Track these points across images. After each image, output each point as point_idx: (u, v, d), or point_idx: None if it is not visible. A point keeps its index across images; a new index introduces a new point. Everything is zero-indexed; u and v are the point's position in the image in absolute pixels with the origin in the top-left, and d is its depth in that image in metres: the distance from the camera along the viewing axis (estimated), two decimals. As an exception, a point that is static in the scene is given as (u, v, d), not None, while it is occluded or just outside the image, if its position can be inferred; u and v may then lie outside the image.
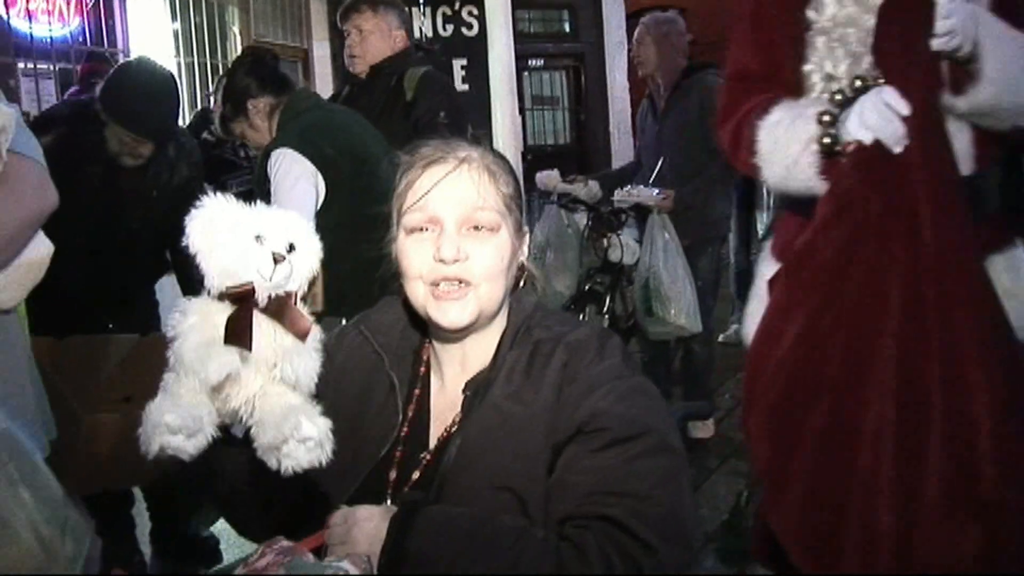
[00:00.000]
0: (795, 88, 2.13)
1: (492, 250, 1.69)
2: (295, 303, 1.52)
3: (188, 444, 1.43)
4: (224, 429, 1.49)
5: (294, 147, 3.38)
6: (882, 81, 1.86)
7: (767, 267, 2.25)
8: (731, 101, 2.28)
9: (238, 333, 1.44)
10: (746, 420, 2.01)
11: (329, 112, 3.75)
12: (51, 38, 7.55)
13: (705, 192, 4.97)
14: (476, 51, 7.32)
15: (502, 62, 6.27)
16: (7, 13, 7.19)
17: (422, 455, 1.75)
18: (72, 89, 5.96)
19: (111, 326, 3.82)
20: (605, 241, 5.14)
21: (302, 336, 1.49)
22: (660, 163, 5.03)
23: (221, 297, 1.47)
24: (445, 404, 1.79)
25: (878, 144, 1.80)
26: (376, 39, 4.21)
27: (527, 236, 1.82)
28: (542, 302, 1.84)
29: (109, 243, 3.72)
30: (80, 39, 7.51)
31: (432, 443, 1.76)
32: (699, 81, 5.03)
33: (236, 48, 8.77)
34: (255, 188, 3.63)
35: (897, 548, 1.77)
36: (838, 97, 1.90)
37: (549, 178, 5.34)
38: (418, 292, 1.71)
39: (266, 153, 3.51)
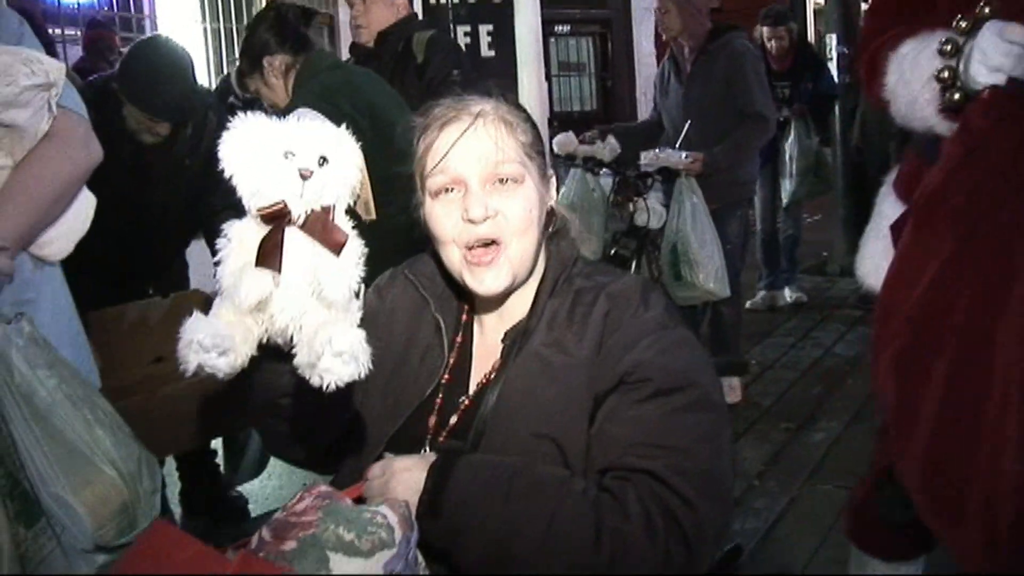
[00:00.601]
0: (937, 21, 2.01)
1: (520, 202, 1.68)
2: (333, 217, 1.46)
3: (220, 362, 1.41)
4: (277, 349, 1.47)
5: (313, 106, 3.31)
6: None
7: (889, 206, 2.23)
8: (869, 32, 2.20)
9: (267, 254, 1.41)
10: (874, 366, 1.97)
11: (348, 72, 3.70)
12: (78, 4, 7.59)
13: (733, 155, 4.94)
14: (502, 17, 7.29)
15: (528, 28, 6.26)
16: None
17: (460, 400, 1.76)
18: (79, 57, 5.97)
19: (151, 292, 3.89)
20: (631, 205, 5.09)
21: (335, 249, 1.44)
22: (687, 126, 5.00)
23: (257, 218, 1.44)
24: (485, 352, 1.79)
25: (1010, 81, 1.73)
26: (379, 7, 4.20)
27: (553, 180, 1.80)
28: (582, 252, 1.83)
29: (140, 216, 3.73)
30: (107, 5, 7.49)
31: (471, 390, 1.77)
32: (726, 44, 5.01)
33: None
34: None
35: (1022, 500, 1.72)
36: (963, 24, 1.81)
37: (565, 142, 5.31)
38: (453, 258, 1.71)
39: (283, 112, 3.46)
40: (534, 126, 1.77)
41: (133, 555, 1.43)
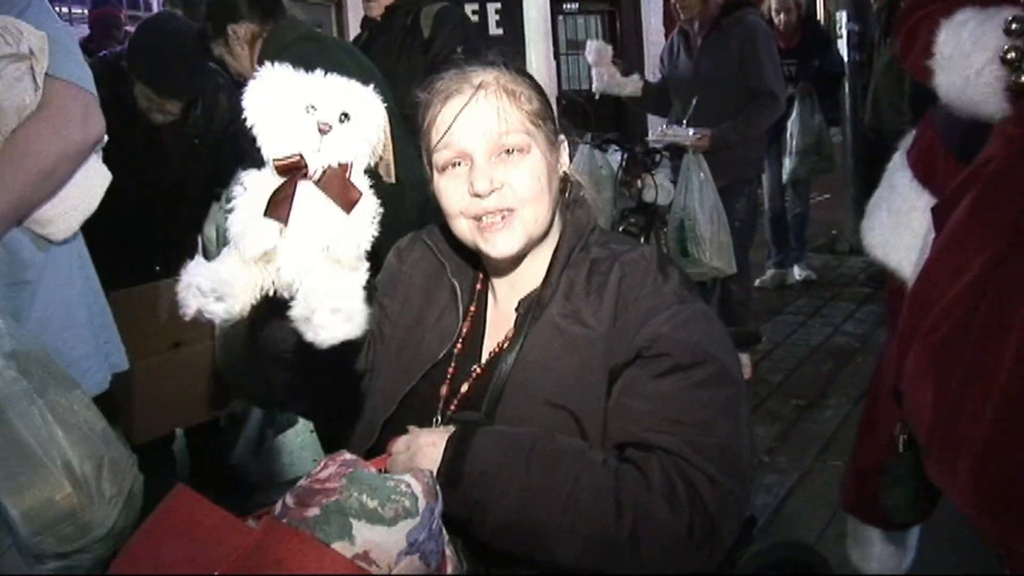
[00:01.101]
0: None
1: (526, 172, 1.66)
2: (350, 175, 1.47)
3: (218, 307, 1.43)
4: (284, 302, 1.46)
5: None
6: None
7: (902, 180, 2.19)
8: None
9: (277, 206, 1.42)
10: (902, 352, 1.83)
11: (322, 44, 3.53)
12: None
13: (742, 132, 4.93)
14: (511, -5, 7.25)
15: (536, 6, 6.21)
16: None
17: (472, 368, 1.76)
18: (85, 35, 5.96)
19: (158, 269, 3.84)
20: (639, 182, 5.09)
21: (348, 206, 1.45)
22: (695, 102, 4.98)
23: (273, 170, 1.45)
24: (498, 322, 1.79)
25: None
26: None
27: (564, 146, 1.79)
28: (594, 217, 1.82)
29: (151, 195, 3.72)
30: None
31: (484, 359, 1.77)
32: (738, 20, 5.00)
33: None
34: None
35: None
36: None
37: (601, 51, 5.30)
38: (464, 229, 1.71)
39: None
40: (541, 92, 1.75)
41: (155, 522, 1.43)
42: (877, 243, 2.21)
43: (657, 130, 5.07)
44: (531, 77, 1.76)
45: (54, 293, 2.33)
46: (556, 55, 11.25)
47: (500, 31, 9.55)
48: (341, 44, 3.77)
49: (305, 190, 1.44)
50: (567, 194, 1.79)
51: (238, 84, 3.58)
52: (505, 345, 1.73)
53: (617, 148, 5.27)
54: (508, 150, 1.66)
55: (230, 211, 1.45)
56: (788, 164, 6.88)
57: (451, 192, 1.69)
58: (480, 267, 1.84)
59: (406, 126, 2.34)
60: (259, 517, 1.45)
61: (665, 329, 1.58)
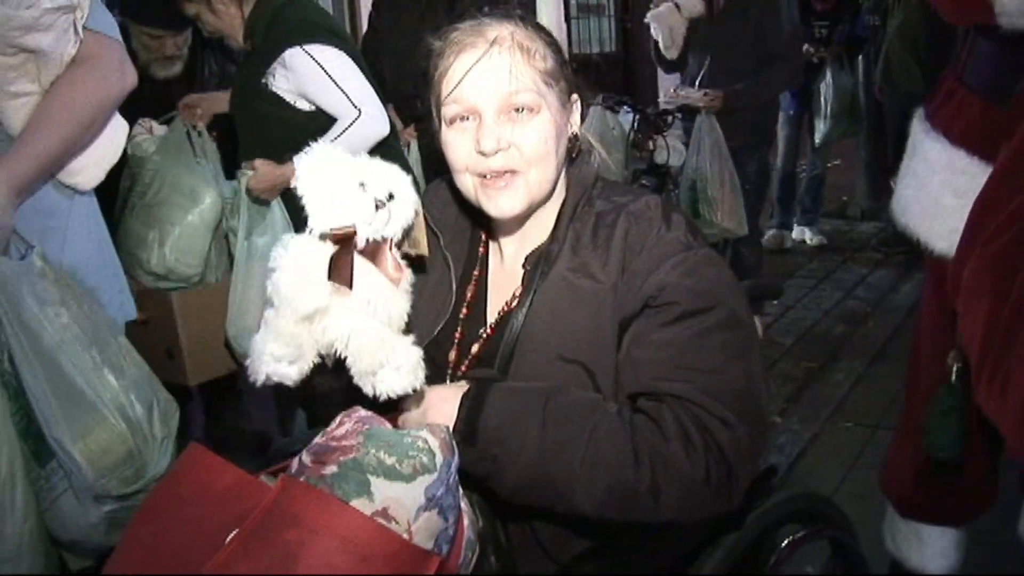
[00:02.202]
0: None
1: (534, 133, 1.64)
2: (391, 248, 1.57)
3: (291, 370, 1.50)
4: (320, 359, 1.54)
5: (329, 43, 3.20)
6: None
7: (931, 145, 2.17)
8: None
9: (340, 270, 1.48)
10: (960, 264, 1.78)
11: (316, 6, 3.51)
12: None
13: (755, 95, 4.89)
14: (521, -44, 7.20)
15: (548, -31, 6.15)
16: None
17: (481, 331, 1.75)
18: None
19: None
20: (651, 143, 5.07)
21: (395, 280, 1.55)
22: (707, 63, 4.94)
23: (322, 237, 1.52)
24: (504, 280, 1.78)
25: None
26: None
27: (577, 105, 1.75)
28: (602, 173, 1.80)
29: None
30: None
31: (491, 319, 1.76)
32: None
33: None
34: (233, 91, 3.44)
35: None
36: None
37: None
38: (467, 184, 1.69)
39: (271, 50, 3.24)
40: (557, 50, 1.71)
41: (171, 481, 1.44)
42: (911, 212, 2.18)
43: (669, 91, 5.03)
44: (548, 33, 1.72)
45: (81, 240, 2.36)
46: (567, 18, 11.18)
47: (511, -7, 9.48)
48: (322, 9, 3.72)
49: (355, 259, 1.52)
50: (574, 153, 1.77)
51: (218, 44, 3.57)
52: (514, 304, 1.72)
53: (629, 109, 5.24)
54: (518, 108, 1.63)
55: (272, 270, 1.53)
56: (821, 127, 6.82)
57: (457, 146, 1.67)
58: (482, 227, 1.83)
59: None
60: (273, 474, 1.46)
61: (672, 277, 1.57)
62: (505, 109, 1.63)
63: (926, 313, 2.40)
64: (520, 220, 1.73)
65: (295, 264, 1.50)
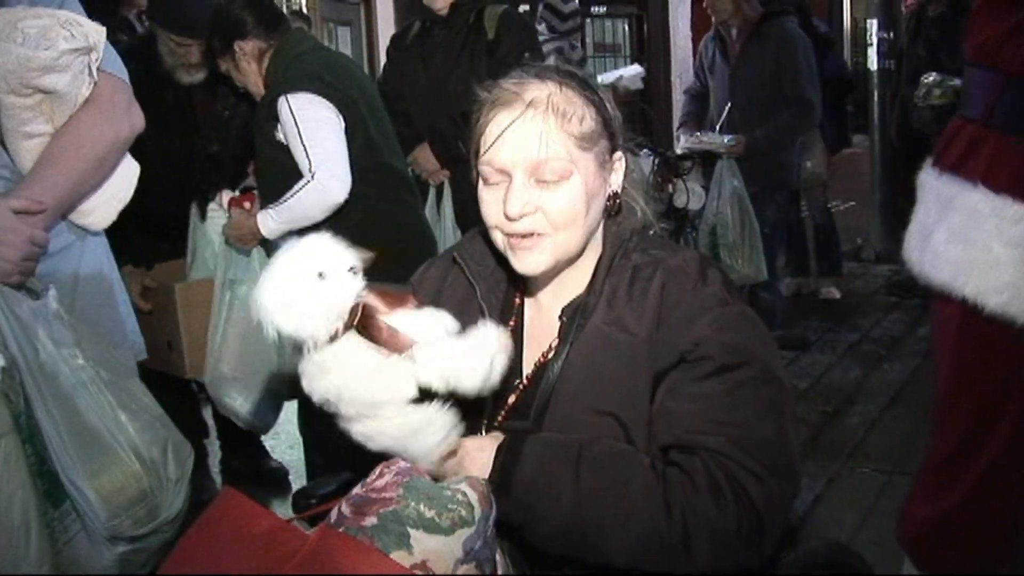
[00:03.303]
0: None
1: (563, 199, 1.63)
2: (375, 315, 1.55)
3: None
4: None
5: (312, 90, 3.22)
6: None
7: (937, 184, 2.17)
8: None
9: (392, 339, 1.53)
10: None
11: (333, 54, 3.58)
12: None
13: (776, 139, 4.93)
14: (539, -3, 7.24)
15: (565, 9, 6.18)
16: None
17: (516, 382, 1.75)
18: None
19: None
20: (670, 187, 5.10)
21: (403, 349, 1.53)
22: (727, 108, 4.98)
23: (332, 339, 1.52)
24: (541, 331, 1.78)
25: None
26: None
27: (620, 163, 1.75)
28: (640, 225, 1.80)
29: (190, 168, 3.74)
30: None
31: (527, 370, 1.76)
32: (777, 28, 5.02)
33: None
34: (254, 134, 3.49)
35: None
36: None
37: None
38: (497, 240, 1.70)
39: (271, 99, 3.32)
40: (601, 109, 1.69)
41: (205, 525, 1.45)
42: (914, 250, 2.18)
43: (691, 136, 5.07)
44: (595, 90, 1.71)
45: (94, 282, 2.37)
46: (584, 58, 11.26)
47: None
48: (342, 54, 3.82)
49: (350, 342, 1.53)
50: (613, 211, 1.77)
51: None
52: (550, 355, 1.73)
53: (649, 152, 5.27)
54: (547, 177, 1.63)
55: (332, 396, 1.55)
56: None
57: (489, 205, 1.68)
58: (519, 278, 1.81)
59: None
60: (307, 520, 1.47)
61: (707, 332, 1.58)
62: (534, 174, 1.63)
63: (959, 369, 2.32)
64: (553, 274, 1.74)
65: (332, 371, 1.53)
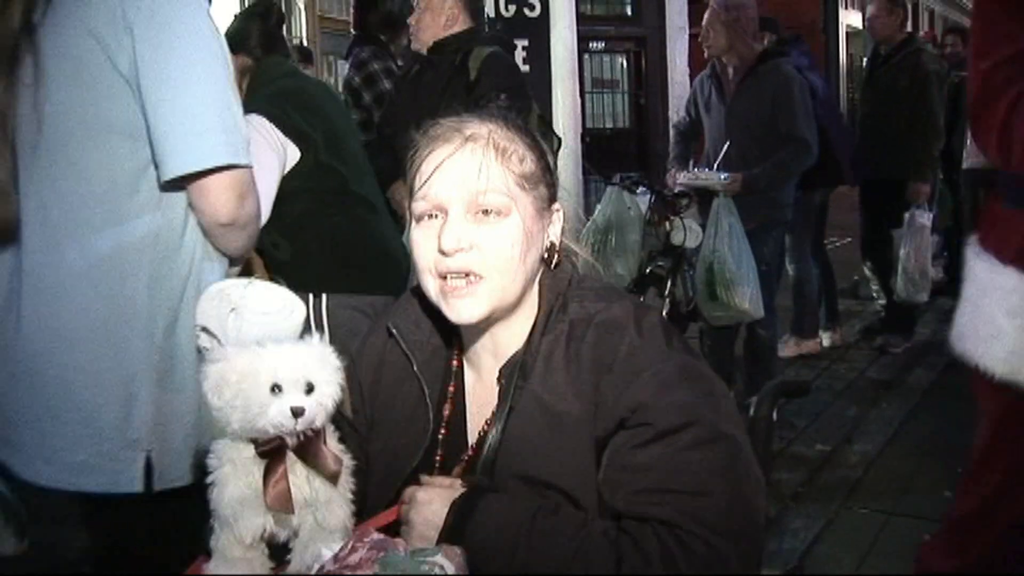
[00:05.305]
0: None
1: (502, 238, 1.57)
2: (325, 440, 1.52)
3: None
4: None
5: (262, 112, 3.15)
6: None
7: (985, 269, 2.09)
8: (990, 90, 1.99)
9: (278, 497, 1.46)
10: None
11: (303, 81, 3.54)
12: None
13: (772, 177, 4.94)
14: (538, 32, 7.26)
15: (564, 43, 6.23)
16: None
17: (463, 455, 1.69)
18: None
19: None
20: (667, 224, 5.12)
21: (333, 480, 1.50)
22: (726, 146, 5.00)
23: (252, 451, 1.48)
24: (482, 395, 1.71)
25: None
26: (428, 15, 4.09)
27: (559, 215, 1.69)
28: (581, 273, 1.73)
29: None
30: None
31: (472, 438, 1.70)
32: (774, 68, 5.05)
33: (301, 23, 8.77)
34: None
35: None
36: None
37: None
38: (429, 287, 1.63)
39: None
40: (542, 155, 1.66)
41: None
42: (969, 339, 2.12)
43: (688, 173, 5.09)
44: (535, 138, 1.67)
45: None
46: (582, 93, 11.30)
47: (527, 68, 9.61)
48: (319, 82, 3.80)
49: (288, 465, 1.48)
50: (551, 264, 1.70)
51: None
52: (491, 421, 1.65)
53: (646, 190, 5.29)
54: (485, 210, 1.57)
55: (212, 484, 1.50)
56: None
57: (422, 245, 1.61)
58: (456, 337, 1.75)
59: None
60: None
61: (645, 396, 1.51)
62: (472, 208, 1.57)
63: (994, 428, 2.25)
64: (490, 329, 1.67)
65: (230, 483, 1.47)
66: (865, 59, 7.86)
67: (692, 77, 10.41)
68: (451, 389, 1.74)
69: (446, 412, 1.73)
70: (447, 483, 1.59)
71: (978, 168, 6.82)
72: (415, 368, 1.73)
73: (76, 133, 1.94)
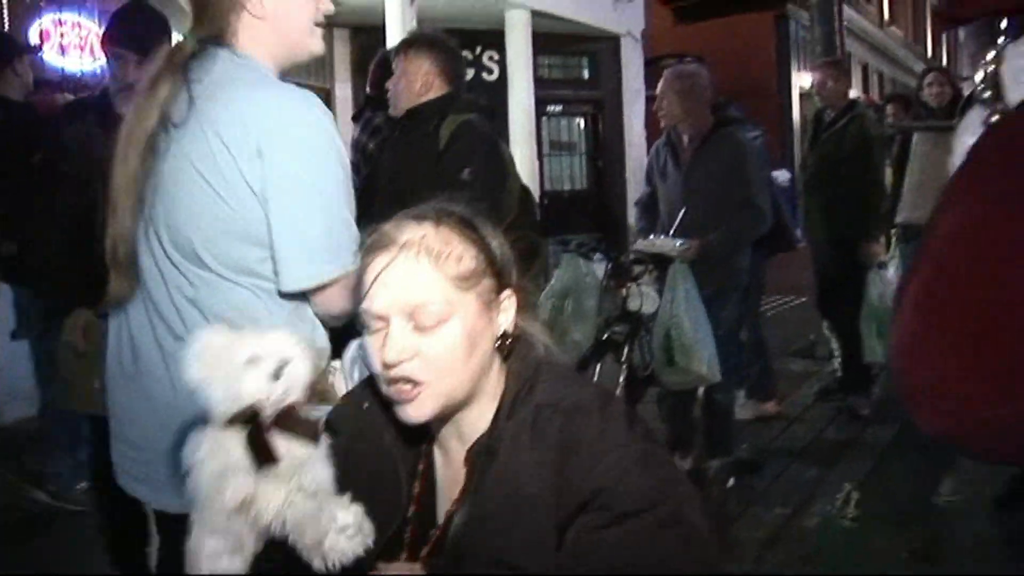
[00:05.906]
0: None
1: (441, 344, 1.59)
2: (298, 411, 1.57)
3: (236, 560, 1.52)
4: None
5: None
6: None
7: None
8: None
9: (261, 451, 1.50)
10: None
11: None
12: (82, 72, 7.93)
13: (728, 244, 5.01)
14: (496, 96, 7.35)
15: (522, 107, 6.31)
16: (41, 48, 7.43)
17: (432, 532, 1.70)
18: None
19: None
20: (624, 290, 5.15)
21: (313, 440, 1.56)
22: (682, 213, 5.06)
23: (229, 423, 1.52)
24: (450, 476, 1.73)
25: None
26: (404, 81, 4.01)
27: (510, 302, 1.71)
28: (549, 357, 1.74)
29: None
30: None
31: (441, 517, 1.71)
32: (729, 136, 5.15)
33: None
34: None
35: None
36: None
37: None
38: (381, 390, 1.66)
39: None
40: (484, 248, 1.66)
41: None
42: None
43: (644, 240, 5.15)
44: (476, 230, 1.67)
45: None
46: (540, 155, 11.39)
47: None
48: None
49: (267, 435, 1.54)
50: (504, 352, 1.72)
51: None
52: (458, 503, 1.67)
53: (602, 256, 5.33)
54: (424, 323, 1.59)
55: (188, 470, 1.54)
56: None
57: (371, 353, 1.64)
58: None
59: None
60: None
61: (606, 481, 1.52)
62: (411, 319, 1.59)
63: None
64: (452, 417, 1.69)
65: (211, 458, 1.51)
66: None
67: (649, 139, 10.54)
68: (422, 467, 1.76)
69: (416, 489, 1.75)
70: (406, 569, 1.60)
71: (912, 224, 6.92)
72: (387, 441, 1.75)
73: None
